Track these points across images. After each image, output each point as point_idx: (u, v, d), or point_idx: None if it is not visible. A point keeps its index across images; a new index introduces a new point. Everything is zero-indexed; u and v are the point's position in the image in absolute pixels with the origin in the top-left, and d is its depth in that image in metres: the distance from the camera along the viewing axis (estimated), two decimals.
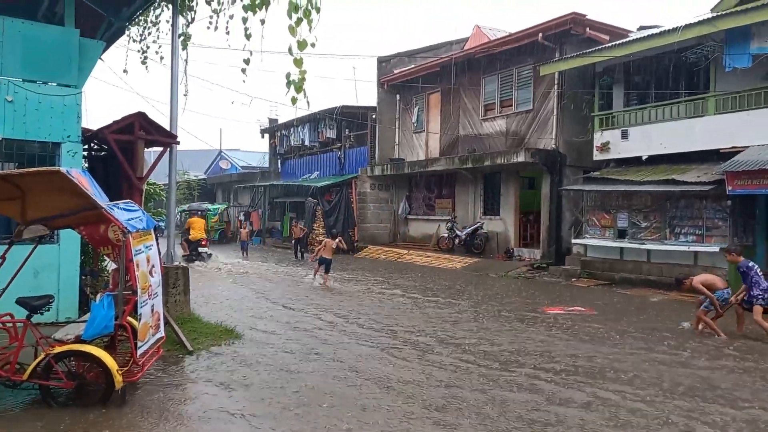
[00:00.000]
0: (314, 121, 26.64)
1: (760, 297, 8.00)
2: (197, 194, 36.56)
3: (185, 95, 8.55)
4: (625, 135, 14.05)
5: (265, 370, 6.30)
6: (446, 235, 19.25)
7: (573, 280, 14.11)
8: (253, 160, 40.70)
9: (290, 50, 5.28)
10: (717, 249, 11.71)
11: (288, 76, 5.34)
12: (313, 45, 5.25)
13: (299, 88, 5.34)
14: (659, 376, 6.24)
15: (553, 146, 15.89)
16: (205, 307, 9.91)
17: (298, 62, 5.32)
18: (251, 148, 45.79)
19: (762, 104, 11.52)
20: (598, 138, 14.64)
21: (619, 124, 14.33)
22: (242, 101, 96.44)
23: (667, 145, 13.16)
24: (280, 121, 31.64)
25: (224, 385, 5.76)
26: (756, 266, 8.35)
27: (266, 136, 32.21)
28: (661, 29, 13.22)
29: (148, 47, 9.74)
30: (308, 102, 5.60)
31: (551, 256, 15.77)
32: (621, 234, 13.91)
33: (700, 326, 8.48)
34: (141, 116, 8.27)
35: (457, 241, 18.65)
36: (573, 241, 15.16)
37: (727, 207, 11.83)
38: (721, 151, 11.91)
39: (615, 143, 14.26)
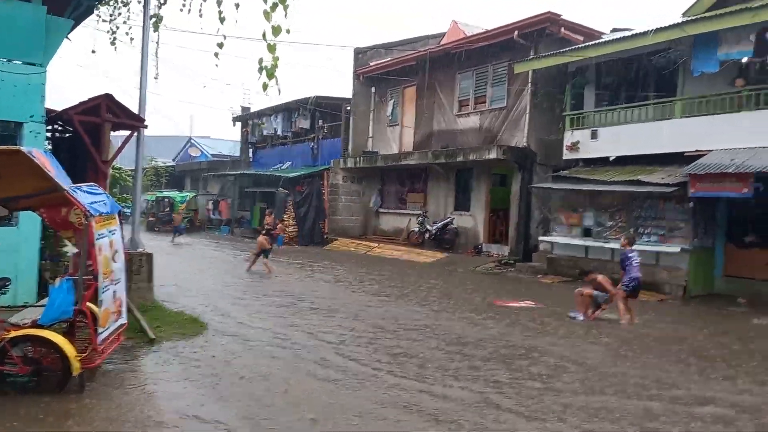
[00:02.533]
0: (288, 110, 26.37)
1: (625, 284, 9.19)
2: (165, 181, 35.87)
3: (156, 78, 8.35)
4: (594, 135, 14.30)
5: (226, 360, 6.24)
6: (417, 229, 19.33)
7: (539, 276, 14.34)
8: (224, 149, 40.05)
9: (264, 36, 5.18)
10: (678, 249, 12.05)
11: (260, 62, 5.23)
12: (288, 31, 5.15)
13: (271, 75, 5.23)
14: (561, 356, 6.83)
15: (525, 144, 16.08)
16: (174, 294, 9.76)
17: (271, 48, 5.22)
18: (222, 136, 45.08)
19: (726, 110, 11.85)
20: (569, 137, 14.88)
21: (589, 125, 14.58)
22: (215, 86, 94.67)
23: (635, 146, 13.44)
24: (252, 110, 31.22)
25: (183, 375, 5.67)
26: (635, 257, 9.37)
27: (238, 124, 31.76)
28: (633, 32, 13.47)
29: (117, 28, 9.45)
30: (279, 89, 5.47)
31: (519, 252, 15.99)
32: (587, 232, 14.17)
33: (589, 311, 9.21)
34: (108, 98, 8.04)
35: (427, 235, 18.75)
36: (540, 238, 15.40)
37: (689, 209, 12.16)
38: (685, 154, 12.22)
39: (585, 143, 14.51)
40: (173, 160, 39.74)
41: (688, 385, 5.91)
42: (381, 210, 22.34)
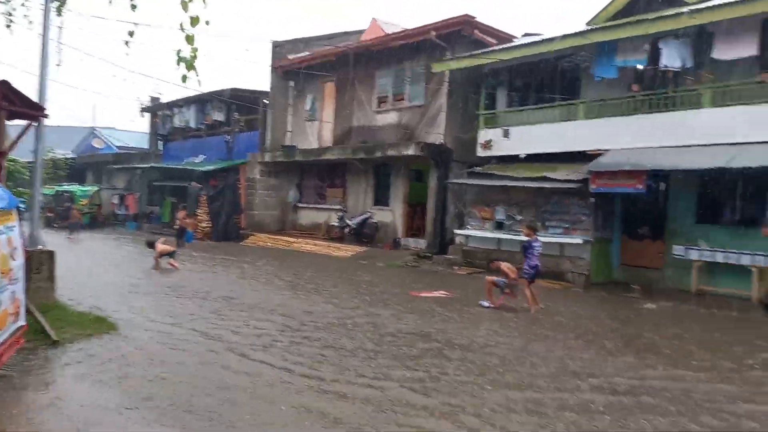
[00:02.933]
0: (201, 102, 25.42)
1: (526, 271, 9.79)
2: (64, 174, 33.37)
3: (58, 65, 7.76)
4: (506, 134, 14.98)
5: (134, 359, 5.97)
6: (336, 224, 19.35)
7: (455, 268, 14.86)
8: (131, 141, 37.89)
9: (182, 26, 4.99)
10: (581, 241, 12.94)
11: (179, 53, 5.03)
12: (207, 23, 5.00)
13: (190, 66, 5.05)
14: (471, 340, 7.20)
15: (442, 141, 16.54)
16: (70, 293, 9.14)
17: (189, 39, 5.03)
18: (128, 128, 42.60)
19: (623, 113, 12.85)
20: (483, 136, 15.50)
21: (501, 124, 15.26)
22: (121, 75, 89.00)
23: (542, 145, 14.24)
24: (163, 100, 29.76)
25: (89, 377, 5.35)
26: (537, 245, 9.99)
27: (147, 115, 30.16)
28: (542, 38, 14.26)
29: (14, 9, 8.68)
30: (199, 81, 5.31)
31: (436, 246, 16.46)
32: (499, 226, 14.85)
33: (494, 299, 9.80)
34: (3, 84, 7.37)
35: (347, 230, 18.82)
36: (456, 232, 15.94)
37: (590, 203, 13.07)
38: (587, 152, 13.13)
39: (497, 141, 15.17)
40: (73, 151, 37.04)
41: (591, 363, 6.39)
42: (300, 205, 22.13)
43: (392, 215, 18.42)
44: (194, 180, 22.75)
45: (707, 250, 11.60)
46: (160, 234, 18.76)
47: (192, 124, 26.30)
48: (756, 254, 10.96)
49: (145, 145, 31.98)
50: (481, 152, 15.58)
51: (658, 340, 7.88)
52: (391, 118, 18.48)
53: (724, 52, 11.25)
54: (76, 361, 5.83)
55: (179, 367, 5.80)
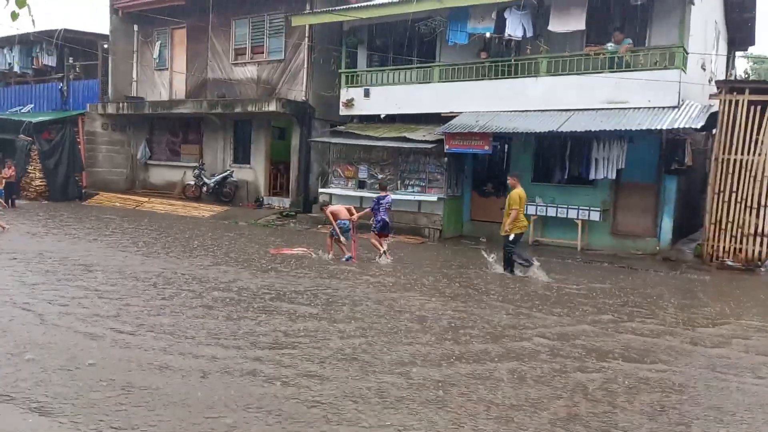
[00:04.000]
0: (27, 43, 22.20)
1: (374, 225, 10.71)
2: None
3: None
4: (367, 94, 15.28)
5: None
6: (193, 182, 18.45)
7: (319, 226, 15.06)
8: None
9: None
10: (436, 198, 13.84)
11: None
12: None
13: (22, 3, 4.49)
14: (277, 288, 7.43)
15: (304, 98, 16.39)
16: None
17: None
18: None
19: (472, 77, 13.76)
20: (344, 94, 15.63)
21: (362, 83, 15.50)
22: None
23: (401, 106, 14.78)
24: None
25: None
26: (384, 201, 10.74)
27: None
28: None
29: None
30: (33, 20, 4.74)
31: (300, 204, 16.51)
32: (361, 185, 15.28)
33: (331, 253, 10.52)
34: None
35: (205, 189, 18.06)
36: (320, 190, 16.10)
37: (444, 163, 13.96)
38: (442, 115, 13.92)
39: (359, 100, 15.42)
40: None
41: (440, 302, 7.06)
42: (150, 162, 20.67)
43: (254, 173, 18.01)
44: (23, 132, 20.05)
45: (542, 205, 13.08)
46: None
47: (16, 69, 22.96)
48: (580, 209, 12.62)
49: None
50: (343, 111, 15.74)
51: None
52: (249, 71, 17.81)
53: (558, 24, 12.46)
54: None
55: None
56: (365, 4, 15.16)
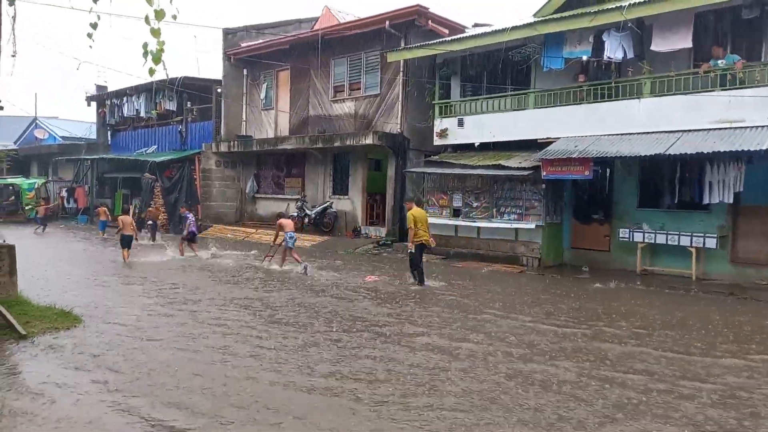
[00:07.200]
0: (151, 91, 24.80)
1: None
2: (6, 167, 31.90)
3: (13, 56, 7.56)
4: (461, 123, 15.43)
5: (109, 349, 6.06)
6: (296, 213, 19.40)
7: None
8: (77, 131, 36.46)
9: (147, 20, 5.07)
10: (534, 226, 13.55)
11: (145, 46, 5.12)
12: (174, 17, 5.10)
13: (158, 60, 5.16)
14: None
15: (399, 130, 16.85)
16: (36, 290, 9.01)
17: (155, 32, 5.12)
18: (73, 117, 40.98)
19: (570, 102, 13.47)
20: (438, 125, 15.89)
21: (455, 113, 15.69)
22: (82, 67, 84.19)
23: (496, 133, 14.76)
24: (110, 89, 28.82)
25: (68, 366, 5.44)
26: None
27: (93, 104, 29.18)
28: (492, 29, 14.69)
29: None
30: (167, 73, 5.43)
31: (395, 233, 16.82)
32: (456, 213, 15.32)
33: (272, 262, 12.55)
34: None
35: (306, 220, 18.93)
36: None
37: (542, 190, 13.68)
38: (538, 141, 13.72)
39: (452, 130, 15.60)
40: (15, 143, 35.43)
41: (542, 334, 6.88)
42: (258, 195, 22.05)
43: (352, 204, 18.65)
44: (148, 171, 22.30)
45: (649, 232, 12.39)
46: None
47: (142, 114, 25.66)
48: (694, 235, 11.80)
49: (91, 136, 30.92)
50: (437, 141, 15.98)
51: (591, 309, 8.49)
52: (347, 107, 18.64)
53: (662, 44, 11.95)
54: (47, 352, 5.88)
55: (152, 357, 5.92)
56: (459, 36, 15.44)
